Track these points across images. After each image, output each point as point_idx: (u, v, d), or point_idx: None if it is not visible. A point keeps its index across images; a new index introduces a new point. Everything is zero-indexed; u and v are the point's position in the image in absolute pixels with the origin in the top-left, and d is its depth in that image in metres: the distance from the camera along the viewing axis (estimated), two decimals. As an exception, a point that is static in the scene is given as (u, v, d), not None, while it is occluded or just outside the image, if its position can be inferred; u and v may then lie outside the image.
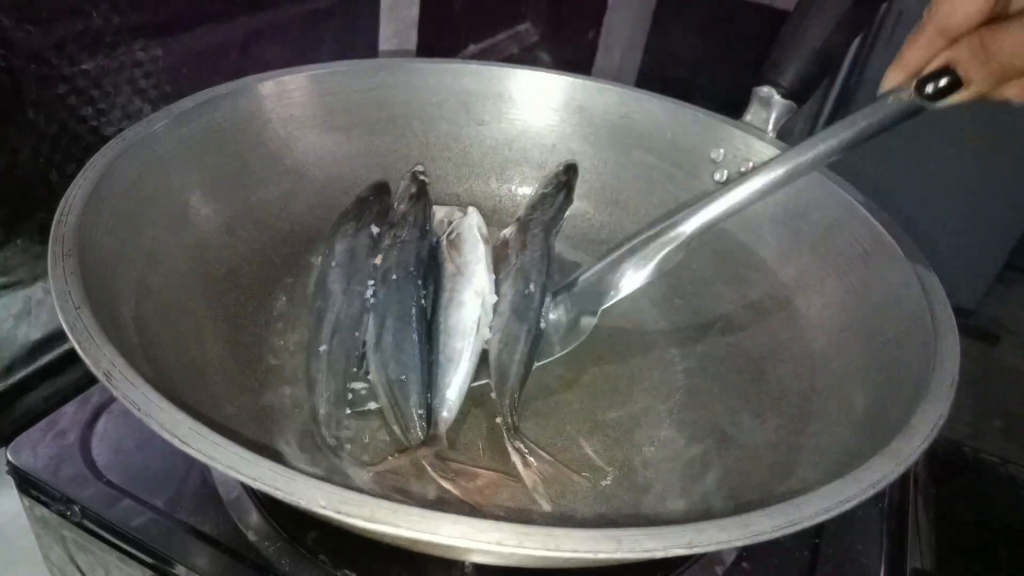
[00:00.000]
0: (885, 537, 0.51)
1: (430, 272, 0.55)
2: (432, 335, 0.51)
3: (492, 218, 0.71)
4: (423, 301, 0.53)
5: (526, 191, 0.72)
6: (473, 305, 0.52)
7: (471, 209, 0.60)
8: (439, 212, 0.62)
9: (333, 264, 0.54)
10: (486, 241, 0.57)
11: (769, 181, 0.49)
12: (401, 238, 0.56)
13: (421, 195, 0.61)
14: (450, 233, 0.58)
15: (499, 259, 0.58)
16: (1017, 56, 0.34)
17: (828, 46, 0.62)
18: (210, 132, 0.55)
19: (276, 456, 0.29)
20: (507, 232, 0.61)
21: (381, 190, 0.63)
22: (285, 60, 0.66)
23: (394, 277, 0.52)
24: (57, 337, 0.59)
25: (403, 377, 0.47)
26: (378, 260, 0.54)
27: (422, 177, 0.64)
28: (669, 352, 0.58)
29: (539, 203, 0.63)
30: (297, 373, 0.50)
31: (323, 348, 0.49)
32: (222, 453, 0.29)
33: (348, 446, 0.45)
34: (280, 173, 0.61)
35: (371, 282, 0.53)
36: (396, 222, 0.58)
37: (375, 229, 0.57)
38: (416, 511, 0.27)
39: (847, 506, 0.31)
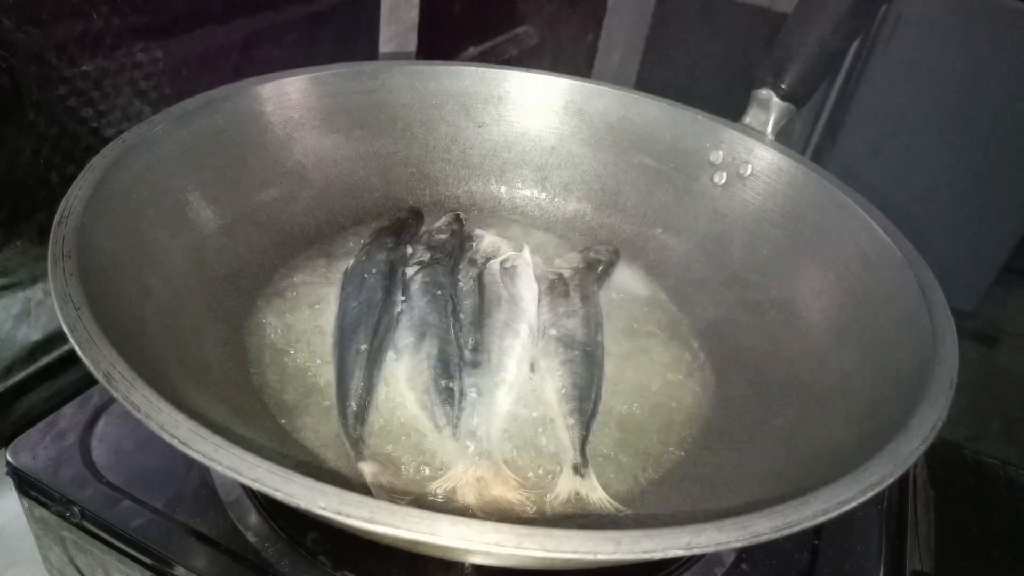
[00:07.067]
0: (884, 538, 0.51)
1: (474, 293, 0.59)
2: (481, 352, 0.53)
3: (492, 220, 0.71)
4: (459, 315, 0.56)
5: (526, 193, 0.72)
6: (525, 336, 0.54)
7: (526, 247, 0.64)
8: (486, 237, 0.65)
9: (374, 271, 0.56)
10: (537, 281, 0.60)
11: None
12: (440, 259, 0.60)
13: (460, 229, 0.65)
14: (505, 261, 0.61)
15: (555, 294, 0.59)
16: None
17: (827, 48, 0.62)
18: (210, 134, 0.55)
19: (276, 456, 0.29)
20: (563, 274, 0.62)
21: (417, 215, 0.67)
22: (285, 62, 0.67)
23: (437, 292, 0.56)
24: (57, 338, 0.59)
25: (449, 385, 0.49)
26: (414, 274, 0.58)
27: (463, 218, 0.67)
28: (666, 354, 0.58)
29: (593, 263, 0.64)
30: (298, 374, 0.51)
31: (363, 347, 0.50)
32: (222, 455, 0.29)
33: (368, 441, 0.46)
34: (280, 175, 0.62)
35: (403, 297, 0.56)
36: (434, 245, 0.62)
37: (410, 249, 0.61)
38: (415, 512, 0.27)
39: (846, 507, 0.31)
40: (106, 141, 0.48)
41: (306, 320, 0.55)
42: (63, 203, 0.41)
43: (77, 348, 0.33)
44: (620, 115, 0.68)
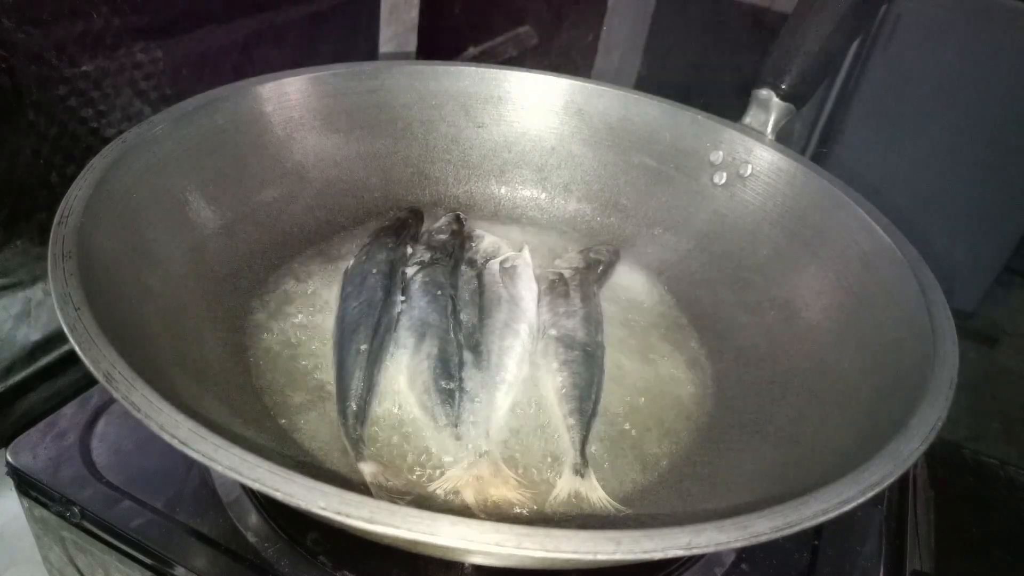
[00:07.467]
0: (884, 539, 0.51)
1: (474, 293, 0.59)
2: (481, 353, 0.52)
3: (492, 220, 0.71)
4: (459, 315, 0.56)
5: (526, 193, 0.72)
6: (526, 336, 0.54)
7: (526, 247, 0.64)
8: (486, 237, 0.65)
9: (374, 271, 0.56)
10: (537, 281, 0.61)
11: None
12: (439, 259, 0.60)
13: (460, 230, 0.65)
14: (505, 262, 0.61)
15: (555, 294, 0.59)
16: None
17: (827, 48, 0.62)
18: (210, 134, 0.55)
19: (276, 457, 0.29)
20: (564, 274, 0.62)
21: (417, 215, 0.67)
22: (285, 62, 0.67)
23: (438, 292, 0.56)
24: (57, 338, 0.59)
25: (449, 385, 0.49)
26: (414, 274, 0.58)
27: (463, 218, 0.67)
28: (666, 354, 0.58)
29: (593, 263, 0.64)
30: (298, 374, 0.51)
31: (364, 347, 0.50)
32: (222, 455, 0.29)
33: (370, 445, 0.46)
34: (280, 175, 0.62)
35: (402, 297, 0.56)
36: (434, 245, 0.62)
37: (410, 249, 0.61)
38: (415, 512, 0.27)
39: (846, 507, 0.31)
40: (106, 141, 0.48)
41: (306, 320, 0.55)
42: (63, 203, 0.41)
43: (77, 348, 0.33)
44: (620, 115, 0.68)
